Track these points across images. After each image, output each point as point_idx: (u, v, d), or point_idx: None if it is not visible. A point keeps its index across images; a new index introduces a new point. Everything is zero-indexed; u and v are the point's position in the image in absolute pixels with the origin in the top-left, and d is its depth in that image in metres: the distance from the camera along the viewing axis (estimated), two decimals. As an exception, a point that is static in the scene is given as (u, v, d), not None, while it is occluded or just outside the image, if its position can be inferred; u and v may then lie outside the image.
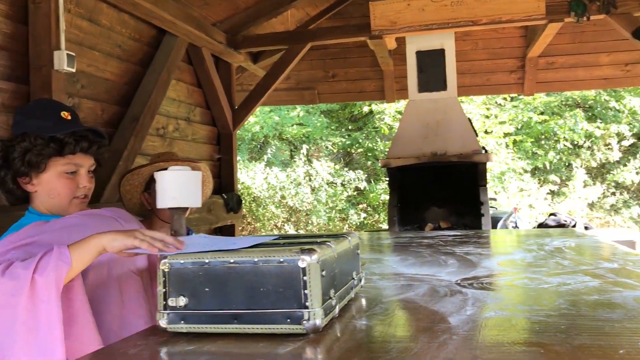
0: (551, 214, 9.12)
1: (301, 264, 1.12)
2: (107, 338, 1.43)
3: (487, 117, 12.88)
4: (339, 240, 1.37)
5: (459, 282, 1.68)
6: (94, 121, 3.90)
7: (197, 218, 5.06)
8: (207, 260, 1.17)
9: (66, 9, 3.47)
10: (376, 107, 13.07)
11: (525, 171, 13.00)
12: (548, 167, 13.17)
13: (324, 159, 13.82)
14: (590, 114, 13.23)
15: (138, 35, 4.46)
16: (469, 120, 6.47)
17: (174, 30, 4.66)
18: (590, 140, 13.11)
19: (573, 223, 8.46)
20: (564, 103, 13.22)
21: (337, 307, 1.26)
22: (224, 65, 5.95)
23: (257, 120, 13.25)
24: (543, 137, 13.17)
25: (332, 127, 13.99)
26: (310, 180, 12.80)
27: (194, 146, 5.47)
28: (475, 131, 6.46)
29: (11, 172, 1.58)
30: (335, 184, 12.91)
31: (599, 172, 13.29)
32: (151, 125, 4.49)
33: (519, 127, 13.01)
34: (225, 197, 5.72)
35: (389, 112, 12.88)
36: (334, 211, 12.61)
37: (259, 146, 14.31)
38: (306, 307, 1.12)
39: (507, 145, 12.85)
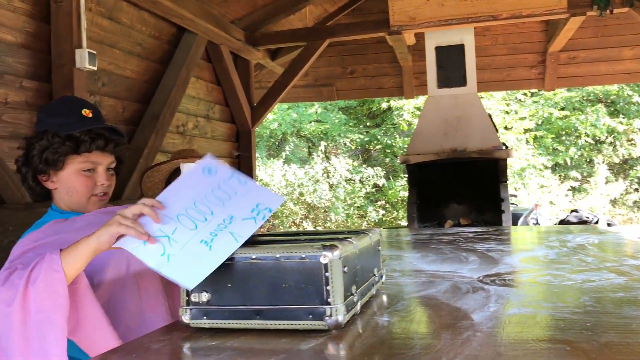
0: (573, 211, 9.02)
1: (323, 260, 1.12)
2: (124, 336, 1.43)
3: (507, 113, 12.76)
4: (360, 237, 1.36)
5: (481, 278, 1.67)
6: (115, 119, 3.94)
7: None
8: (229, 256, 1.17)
9: (87, 8, 3.50)
10: (395, 103, 13.02)
11: (546, 167, 12.87)
12: (569, 163, 13.01)
13: (342, 155, 13.81)
14: (612, 109, 13.04)
15: (158, 33, 4.49)
16: (489, 115, 6.41)
17: (193, 28, 4.68)
18: (612, 136, 12.93)
19: (595, 220, 8.36)
20: (585, 98, 13.05)
21: (359, 303, 1.26)
22: (243, 63, 5.97)
23: (275, 118, 13.28)
24: (564, 132, 13.02)
25: (350, 124, 13.97)
26: (328, 177, 12.79)
27: (213, 143, 5.50)
28: (495, 127, 6.40)
29: (31, 169, 1.59)
30: (354, 180, 12.90)
31: (621, 168, 13.10)
32: (171, 123, 4.52)
33: (540, 123, 12.88)
34: (244, 194, 5.74)
35: (407, 109, 12.82)
36: (352, 208, 12.60)
37: (277, 143, 14.34)
38: (328, 304, 1.11)
39: (527, 142, 12.73)
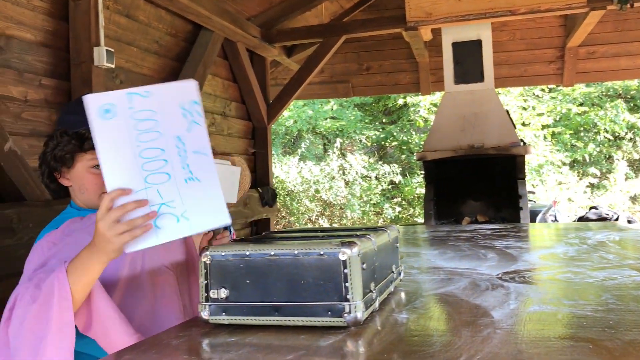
0: (592, 208, 8.92)
1: (342, 257, 1.12)
2: (143, 334, 1.44)
3: (525, 109, 12.65)
4: (378, 234, 1.36)
5: (500, 275, 1.66)
6: (132, 116, 3.96)
7: (234, 212, 5.09)
8: (247, 253, 1.17)
9: (105, 6, 3.52)
10: (410, 99, 12.96)
11: (564, 164, 12.74)
12: (588, 160, 12.87)
13: (358, 152, 13.78)
14: (632, 104, 12.87)
15: (174, 30, 4.51)
16: (507, 112, 6.36)
17: (209, 25, 4.70)
18: (632, 132, 12.76)
19: (615, 217, 8.25)
20: (604, 93, 12.89)
21: (378, 300, 1.25)
22: (259, 60, 5.98)
23: (290, 115, 13.29)
24: (582, 128, 12.88)
25: (366, 121, 13.94)
26: (344, 174, 12.78)
27: (229, 140, 5.51)
28: (513, 123, 6.35)
29: (47, 167, 1.61)
30: (370, 177, 12.87)
31: (641, 165, 12.93)
32: (188, 120, 4.54)
33: (558, 119, 12.74)
34: (261, 191, 5.76)
35: (423, 105, 12.76)
36: (368, 205, 12.58)
37: (292, 140, 14.36)
38: (347, 300, 1.11)
39: (545, 138, 12.60)
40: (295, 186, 12.33)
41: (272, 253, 1.16)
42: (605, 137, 12.76)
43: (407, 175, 13.19)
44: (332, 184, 12.43)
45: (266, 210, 5.86)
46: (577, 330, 1.08)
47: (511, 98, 12.49)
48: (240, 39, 5.27)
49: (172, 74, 4.46)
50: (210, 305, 1.19)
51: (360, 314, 1.11)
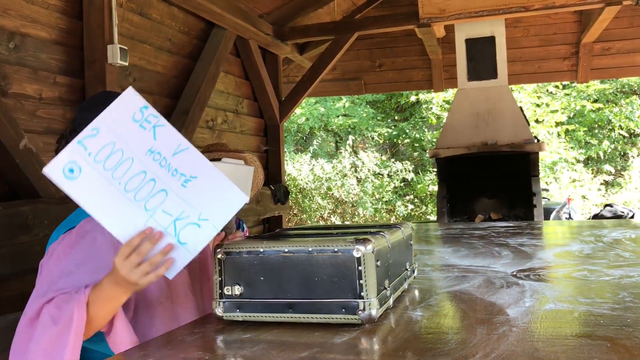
0: (607, 205, 8.83)
1: (356, 254, 1.11)
2: (157, 330, 1.44)
3: (538, 105, 12.55)
4: (392, 231, 1.35)
5: (514, 273, 1.64)
6: (145, 114, 3.97)
7: (246, 209, 5.11)
8: (261, 250, 1.17)
9: (118, 3, 3.54)
10: (423, 96, 12.91)
11: (578, 161, 12.63)
12: (602, 157, 12.75)
13: (370, 150, 13.75)
14: (647, 101, 12.73)
15: (187, 28, 4.52)
16: (521, 108, 6.32)
17: (222, 23, 4.70)
18: (647, 129, 12.63)
19: (630, 214, 8.17)
20: (619, 90, 12.76)
21: (392, 297, 1.25)
22: (271, 57, 5.97)
23: (302, 112, 13.28)
24: (597, 125, 12.75)
25: (378, 118, 13.90)
26: (356, 171, 12.76)
27: (242, 138, 5.52)
28: (527, 120, 6.30)
29: None
30: (382, 175, 12.84)
31: (657, 162, 12.78)
32: (201, 118, 4.55)
33: (572, 116, 12.63)
34: (273, 188, 5.76)
35: (436, 102, 12.71)
36: (380, 202, 12.55)
37: (304, 138, 14.36)
38: (361, 297, 1.11)
39: (558, 135, 12.50)
40: (307, 184, 12.32)
41: (286, 250, 1.16)
42: (620, 134, 12.63)
43: (420, 172, 13.15)
44: (344, 182, 12.41)
45: (278, 207, 5.86)
46: (594, 328, 1.07)
47: (525, 95, 12.40)
48: (253, 36, 5.27)
49: (185, 72, 4.47)
50: (224, 302, 1.19)
51: (374, 311, 1.11)
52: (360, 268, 1.11)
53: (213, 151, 2.28)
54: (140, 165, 1.16)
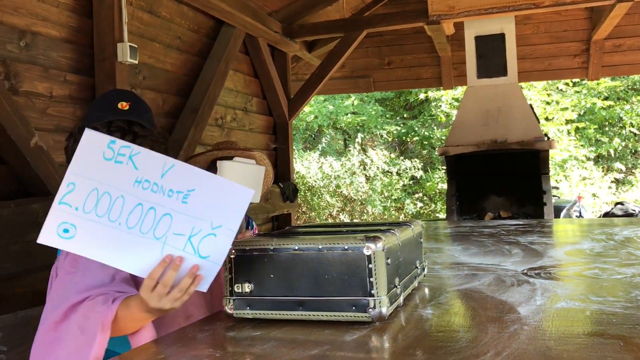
0: (617, 203, 8.77)
1: (366, 252, 1.11)
2: (168, 328, 1.45)
3: (548, 103, 12.48)
4: (402, 229, 1.35)
5: (525, 271, 1.64)
6: (155, 112, 3.97)
7: (255, 207, 5.11)
8: (271, 247, 1.17)
9: (128, 2, 3.55)
10: (432, 94, 12.86)
11: (588, 159, 12.55)
12: (613, 155, 12.66)
13: (379, 147, 13.73)
14: (659, 98, 12.63)
15: (196, 26, 4.52)
16: (531, 106, 6.28)
17: (231, 21, 4.71)
18: (659, 127, 12.53)
19: (641, 212, 8.11)
20: (630, 87, 12.66)
21: (402, 295, 1.24)
22: (280, 55, 5.97)
23: (311, 110, 13.28)
24: (607, 123, 12.66)
25: (387, 116, 13.87)
26: (365, 169, 12.75)
27: (251, 136, 5.53)
28: (537, 117, 6.27)
29: (69, 162, 1.62)
30: (391, 173, 12.82)
31: (668, 160, 12.69)
32: (210, 116, 4.55)
33: (582, 114, 12.55)
34: (282, 186, 5.76)
35: (445, 100, 12.66)
36: (389, 200, 12.53)
37: (313, 135, 14.35)
38: (372, 295, 1.10)
39: (568, 133, 12.43)
40: (316, 181, 12.32)
41: (296, 248, 1.16)
42: (630, 131, 12.54)
43: (429, 170, 13.11)
44: (353, 180, 12.40)
45: (287, 205, 5.86)
46: (606, 327, 1.06)
47: (534, 92, 12.33)
48: (262, 34, 5.27)
49: (194, 70, 4.48)
50: (234, 300, 1.19)
51: (385, 309, 1.10)
52: (370, 266, 1.11)
53: (222, 149, 2.28)
54: (132, 199, 1.14)
